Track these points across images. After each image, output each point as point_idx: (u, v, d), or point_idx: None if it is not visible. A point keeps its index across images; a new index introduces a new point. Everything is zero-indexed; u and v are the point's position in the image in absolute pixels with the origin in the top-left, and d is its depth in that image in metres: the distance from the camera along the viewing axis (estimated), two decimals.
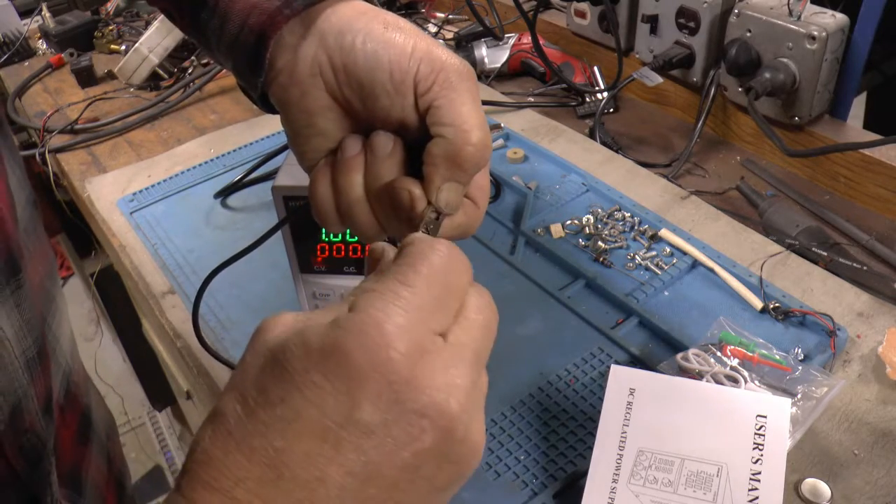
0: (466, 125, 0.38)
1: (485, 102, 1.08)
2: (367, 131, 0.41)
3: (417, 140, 0.40)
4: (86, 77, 1.29)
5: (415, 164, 0.40)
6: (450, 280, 0.32)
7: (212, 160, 1.03)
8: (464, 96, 0.39)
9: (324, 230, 0.60)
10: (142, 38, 1.25)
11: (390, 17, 0.41)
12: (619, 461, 0.57)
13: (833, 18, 0.86)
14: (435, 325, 0.31)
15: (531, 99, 1.14)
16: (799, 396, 0.60)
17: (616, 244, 0.82)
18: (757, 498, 0.53)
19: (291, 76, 0.41)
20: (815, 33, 0.84)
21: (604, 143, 1.00)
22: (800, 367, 0.63)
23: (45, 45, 1.44)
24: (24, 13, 1.50)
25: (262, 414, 0.28)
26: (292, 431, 0.28)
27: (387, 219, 0.41)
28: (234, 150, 1.05)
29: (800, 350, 0.67)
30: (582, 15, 1.16)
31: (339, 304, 0.32)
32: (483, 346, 0.33)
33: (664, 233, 0.81)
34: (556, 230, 0.84)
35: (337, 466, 0.28)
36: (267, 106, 0.45)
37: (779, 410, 0.57)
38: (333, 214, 0.42)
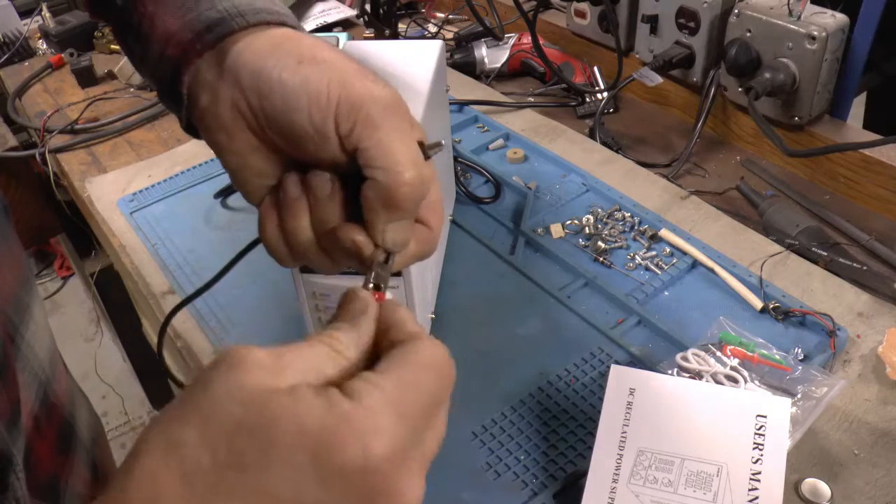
0: (398, 165, 0.36)
1: (485, 102, 1.08)
2: (305, 167, 0.40)
3: (357, 172, 0.38)
4: (86, 77, 1.28)
5: (358, 199, 0.39)
6: (443, 392, 0.31)
7: (212, 160, 1.03)
8: (390, 134, 0.37)
9: None
10: None
11: (307, 45, 0.39)
12: (619, 461, 0.57)
13: (833, 18, 0.86)
14: (419, 438, 0.30)
15: (531, 99, 1.14)
16: (799, 396, 0.60)
17: (616, 244, 0.82)
18: (757, 498, 0.53)
19: (216, 118, 0.40)
20: (815, 33, 0.84)
21: (604, 143, 1.00)
22: (800, 367, 0.63)
23: (45, 45, 1.44)
24: (24, 13, 1.50)
25: (231, 475, 0.27)
26: (259, 501, 0.27)
27: (339, 258, 0.40)
28: None
29: (800, 350, 0.67)
30: (582, 15, 1.16)
31: (316, 354, 0.31)
32: (432, 458, 0.31)
33: (664, 233, 0.81)
34: (556, 230, 0.84)
35: None
36: (195, 134, 0.43)
37: (779, 410, 0.57)
38: (287, 255, 0.41)
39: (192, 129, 0.43)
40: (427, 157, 0.39)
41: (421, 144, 0.38)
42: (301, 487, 0.27)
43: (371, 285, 0.37)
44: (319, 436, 0.27)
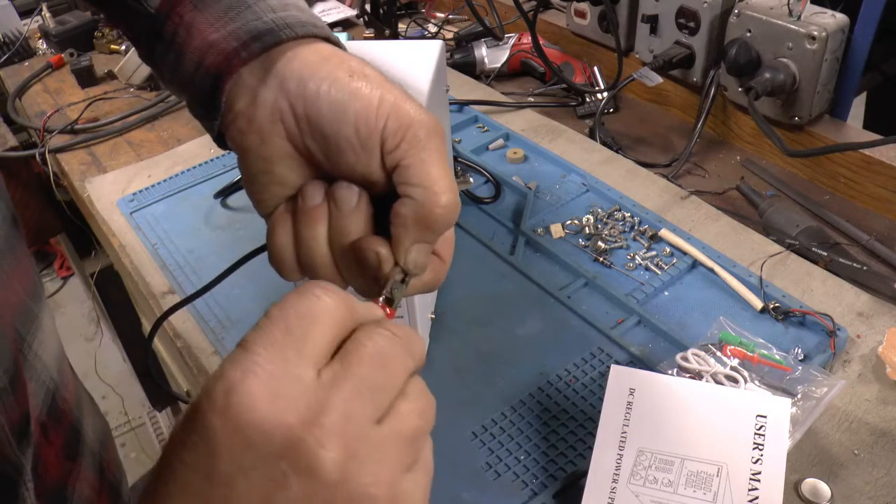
0: (436, 187, 0.37)
1: (485, 102, 1.08)
2: (328, 178, 0.40)
3: (382, 193, 0.39)
4: (86, 77, 1.28)
5: (379, 218, 0.39)
6: (314, 312, 0.31)
7: (212, 160, 1.03)
8: (433, 156, 0.37)
9: None
10: None
11: (356, 63, 0.39)
12: (619, 461, 0.57)
13: (833, 18, 0.86)
14: (298, 361, 0.29)
15: (531, 99, 1.14)
16: (799, 396, 0.60)
17: (616, 244, 0.82)
18: (757, 498, 0.53)
19: (250, 122, 0.40)
20: (815, 33, 0.84)
21: (604, 143, 1.00)
22: (800, 367, 0.63)
23: (45, 45, 1.44)
24: (24, 13, 1.50)
25: (157, 485, 0.29)
26: (175, 486, 0.28)
27: (350, 274, 0.40)
28: None
29: (800, 350, 0.67)
30: (582, 15, 1.16)
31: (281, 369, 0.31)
32: (376, 376, 0.30)
33: (664, 233, 0.81)
34: (556, 230, 0.84)
35: None
36: (223, 145, 0.43)
37: (779, 410, 0.57)
38: (293, 265, 0.41)
39: (222, 139, 0.43)
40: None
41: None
42: (190, 462, 0.28)
43: (383, 298, 0.37)
44: (190, 405, 0.29)
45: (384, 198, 0.39)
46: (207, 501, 0.28)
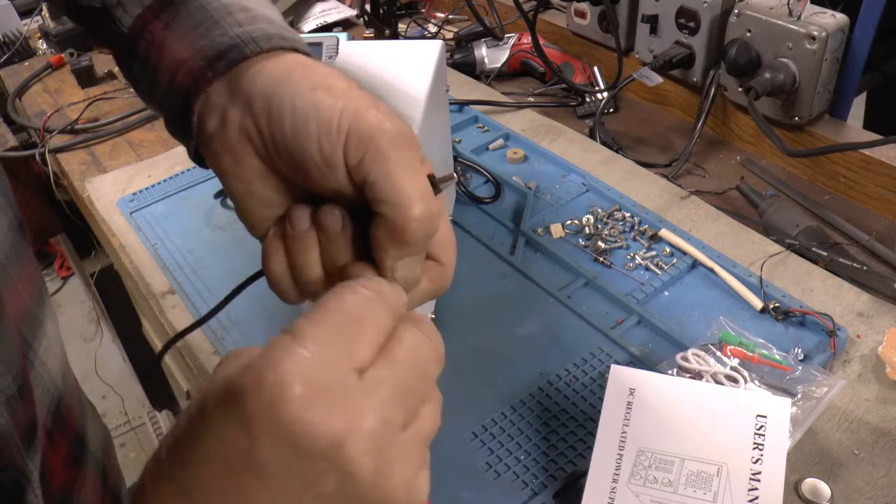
0: (405, 200, 0.35)
1: (485, 102, 1.08)
2: (312, 197, 0.39)
3: (365, 204, 0.37)
4: (86, 77, 1.28)
5: (368, 233, 0.38)
6: (364, 315, 0.31)
7: None
8: (399, 167, 0.35)
9: None
10: None
11: (321, 74, 0.38)
12: (619, 461, 0.57)
13: (833, 18, 0.86)
14: (345, 363, 0.29)
15: (531, 99, 1.14)
16: (799, 396, 0.60)
17: (616, 244, 0.82)
18: (757, 498, 0.53)
19: (223, 143, 0.39)
20: (815, 33, 0.84)
21: (604, 143, 1.00)
22: (800, 367, 0.63)
23: (45, 45, 1.44)
24: (24, 13, 1.50)
25: (185, 450, 0.29)
26: (203, 469, 0.28)
27: None
28: None
29: (800, 350, 0.67)
30: (582, 15, 1.16)
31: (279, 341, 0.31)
32: (411, 381, 0.31)
33: (664, 233, 0.81)
34: (556, 230, 0.84)
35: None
36: (202, 164, 0.43)
37: (779, 410, 0.57)
38: (292, 290, 0.40)
39: (200, 158, 0.43)
40: (437, 191, 0.37)
41: (431, 178, 0.37)
42: (227, 445, 0.28)
43: None
44: (227, 391, 0.29)
45: (368, 209, 0.37)
46: (239, 482, 0.28)
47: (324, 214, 0.38)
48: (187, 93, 0.40)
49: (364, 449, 0.28)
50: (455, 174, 0.38)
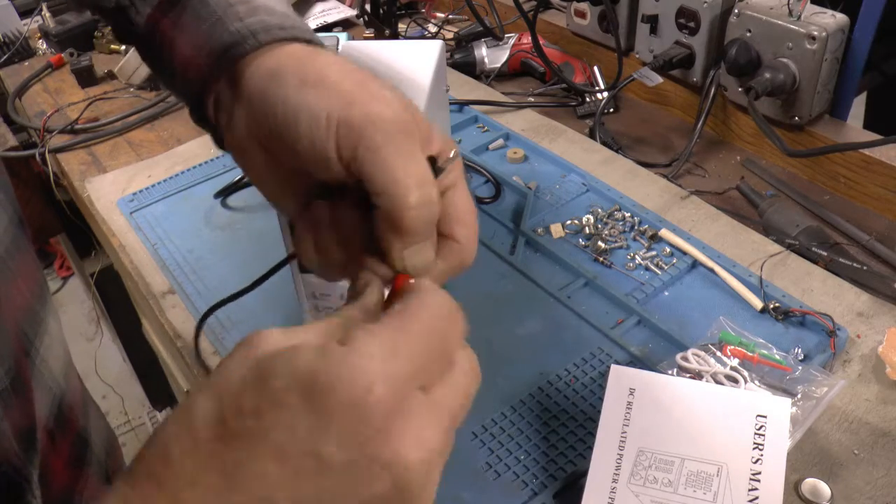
0: (401, 189, 0.34)
1: (485, 102, 1.08)
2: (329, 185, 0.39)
3: None
4: (86, 77, 1.28)
5: None
6: (446, 336, 0.31)
7: (212, 160, 1.03)
8: (392, 157, 0.34)
9: None
10: None
11: (314, 65, 0.38)
12: (619, 461, 0.57)
13: (833, 18, 0.86)
14: (421, 380, 0.29)
15: (531, 99, 1.14)
16: (799, 396, 0.60)
17: (616, 244, 0.82)
18: (757, 498, 0.53)
19: (232, 139, 0.40)
20: (815, 33, 0.84)
21: (604, 143, 1.00)
22: (800, 367, 0.63)
23: (45, 45, 1.43)
24: (24, 13, 1.50)
25: (232, 422, 0.28)
26: (256, 446, 0.27)
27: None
28: None
29: (800, 350, 0.67)
30: (582, 15, 1.16)
31: (326, 324, 0.31)
32: (461, 411, 0.31)
33: (664, 233, 0.81)
34: (556, 230, 0.84)
35: (287, 494, 0.27)
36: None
37: (779, 410, 0.57)
38: (324, 271, 0.41)
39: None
40: (438, 174, 0.37)
41: (432, 160, 0.37)
42: (297, 430, 0.27)
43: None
44: (309, 377, 0.27)
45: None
46: (296, 473, 0.27)
47: (336, 209, 0.38)
48: (198, 91, 0.41)
49: (426, 470, 0.28)
50: (457, 149, 0.38)
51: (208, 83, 0.41)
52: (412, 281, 0.35)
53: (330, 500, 0.28)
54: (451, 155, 0.37)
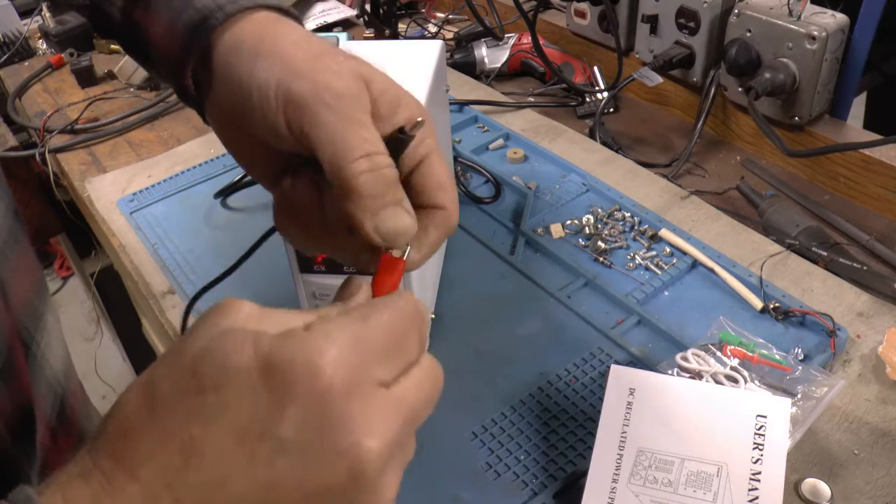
0: (343, 157, 0.33)
1: (485, 102, 1.08)
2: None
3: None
4: (86, 77, 1.28)
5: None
6: (408, 333, 0.31)
7: (212, 160, 1.03)
8: (335, 128, 0.33)
9: None
10: None
11: (268, 36, 0.37)
12: (619, 461, 0.57)
13: (833, 18, 0.86)
14: (381, 373, 0.30)
15: (531, 99, 1.14)
16: (799, 396, 0.60)
17: (616, 244, 0.82)
18: (757, 498, 0.53)
19: (210, 114, 0.41)
20: (815, 33, 0.84)
21: (604, 143, 1.00)
22: (800, 367, 0.63)
23: (45, 45, 1.44)
24: (24, 13, 1.50)
25: (191, 398, 0.28)
26: (214, 424, 0.27)
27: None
28: None
29: (800, 350, 0.67)
30: (582, 15, 1.16)
31: (301, 313, 0.31)
32: (423, 411, 0.31)
33: (664, 233, 0.81)
34: (556, 230, 0.84)
35: (243, 474, 0.27)
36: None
37: (779, 410, 0.57)
38: (301, 244, 0.41)
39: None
40: (410, 139, 0.36)
41: (402, 130, 0.36)
42: (256, 408, 0.28)
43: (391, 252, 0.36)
44: (269, 356, 0.28)
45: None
46: (252, 454, 0.28)
47: (284, 181, 0.39)
48: (176, 73, 0.41)
49: (383, 459, 0.29)
50: (420, 119, 0.36)
51: (184, 62, 0.40)
52: (399, 255, 0.35)
53: (284, 485, 0.28)
54: (419, 120, 0.36)
